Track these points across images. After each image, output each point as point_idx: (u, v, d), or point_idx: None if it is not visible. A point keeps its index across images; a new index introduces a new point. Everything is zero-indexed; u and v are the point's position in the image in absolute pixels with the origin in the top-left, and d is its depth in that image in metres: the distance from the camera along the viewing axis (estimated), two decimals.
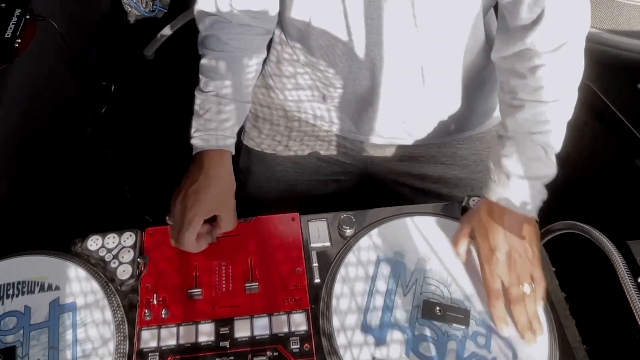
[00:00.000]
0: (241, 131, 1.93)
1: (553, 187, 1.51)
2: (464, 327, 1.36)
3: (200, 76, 1.66)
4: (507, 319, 1.38)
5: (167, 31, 3.58)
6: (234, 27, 1.65)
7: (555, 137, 1.46)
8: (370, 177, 2.04)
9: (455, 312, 1.37)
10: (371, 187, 2.08)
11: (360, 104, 1.76)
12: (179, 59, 3.12)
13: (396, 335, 1.37)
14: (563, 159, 1.51)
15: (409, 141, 1.88)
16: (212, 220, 1.52)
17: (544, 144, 1.44)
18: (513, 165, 1.45)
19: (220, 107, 1.62)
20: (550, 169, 1.46)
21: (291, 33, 1.78)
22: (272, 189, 2.00)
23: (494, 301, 1.38)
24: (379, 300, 1.41)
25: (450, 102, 1.78)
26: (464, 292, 1.44)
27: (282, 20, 1.77)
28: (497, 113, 1.87)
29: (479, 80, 1.78)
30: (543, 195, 1.46)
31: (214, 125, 1.60)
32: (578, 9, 1.42)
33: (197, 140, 1.59)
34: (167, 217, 1.55)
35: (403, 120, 1.79)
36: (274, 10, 1.67)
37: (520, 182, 1.44)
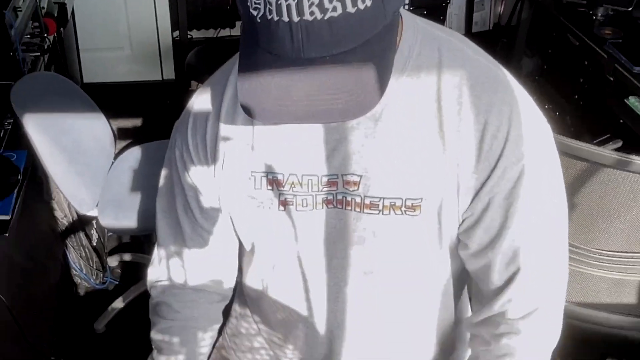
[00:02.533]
0: None
1: None
2: None
3: (153, 344, 1.54)
4: None
5: (118, 304, 3.28)
6: (187, 294, 1.53)
7: None
8: None
9: None
10: None
11: None
12: (132, 333, 2.95)
13: None
14: None
15: None
16: None
17: None
18: None
19: None
20: None
21: (249, 302, 1.69)
22: None
23: None
24: None
25: None
26: None
27: (240, 289, 1.69)
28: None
29: (440, 342, 1.59)
30: None
31: None
32: (555, 271, 1.32)
33: None
34: None
35: None
36: (230, 279, 1.57)
37: None
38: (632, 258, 2.22)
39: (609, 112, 2.94)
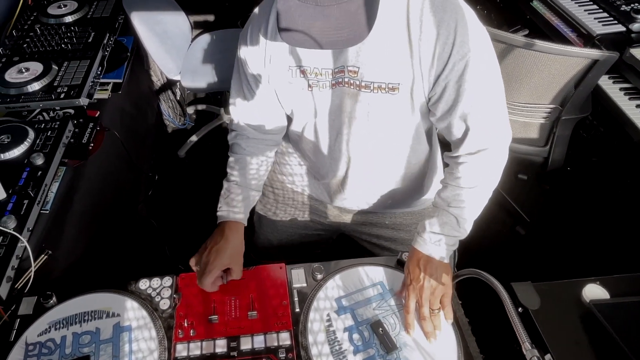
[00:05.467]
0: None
1: (464, 245, 1.56)
2: (385, 352, 1.38)
3: (228, 170, 1.72)
4: (414, 326, 1.42)
5: (193, 138, 3.63)
6: (250, 140, 1.72)
7: (469, 212, 1.48)
8: (343, 234, 2.06)
9: (389, 340, 1.40)
10: (345, 240, 2.08)
11: (337, 185, 1.78)
12: (202, 157, 3.49)
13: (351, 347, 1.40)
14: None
15: (368, 209, 1.89)
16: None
17: (457, 215, 1.47)
18: (430, 225, 1.49)
19: (238, 192, 1.67)
20: (459, 233, 1.49)
21: (292, 143, 1.85)
22: (275, 237, 2.01)
23: (406, 314, 1.42)
24: (339, 327, 1.43)
25: (395, 188, 1.79)
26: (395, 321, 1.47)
27: (286, 135, 1.82)
28: (428, 197, 1.89)
29: (419, 176, 1.79)
30: (453, 247, 1.49)
31: (232, 204, 1.64)
32: (494, 126, 1.45)
33: (222, 213, 1.64)
34: (191, 263, 1.58)
35: (364, 194, 1.80)
36: (280, 132, 1.74)
37: (433, 235, 1.47)
38: (535, 107, 2.49)
39: (519, 10, 3.05)
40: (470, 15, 1.34)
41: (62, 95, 2.06)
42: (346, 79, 1.44)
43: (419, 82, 1.40)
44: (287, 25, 1.17)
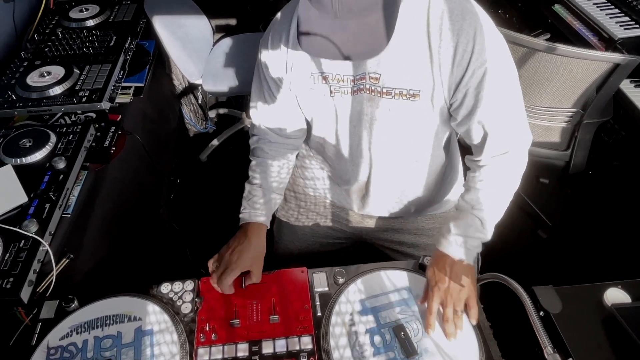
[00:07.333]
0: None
1: (485, 249, 1.55)
2: (404, 356, 1.38)
3: (250, 173, 1.75)
4: (435, 327, 1.42)
5: (215, 142, 3.68)
6: (272, 144, 1.74)
7: (491, 214, 1.51)
8: (364, 241, 2.07)
9: (409, 345, 1.39)
10: (365, 248, 2.09)
11: (359, 191, 1.81)
12: (224, 161, 3.53)
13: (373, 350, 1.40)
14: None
15: (391, 215, 1.91)
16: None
17: (481, 217, 1.50)
18: (454, 227, 1.51)
19: (260, 195, 1.69)
20: (483, 234, 1.51)
21: (312, 147, 1.86)
22: (295, 246, 2.03)
23: (428, 315, 1.43)
24: (361, 327, 1.44)
25: (417, 192, 1.81)
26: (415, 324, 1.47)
27: (306, 140, 1.84)
28: (450, 198, 1.91)
29: (439, 179, 1.81)
30: (477, 249, 1.51)
31: (255, 206, 1.67)
32: (514, 130, 1.48)
33: (244, 215, 1.67)
34: (210, 264, 1.60)
35: (385, 199, 1.82)
36: (300, 137, 1.77)
37: (457, 237, 1.49)
38: (556, 111, 2.52)
39: (541, 14, 3.08)
40: (488, 24, 1.37)
41: (83, 99, 2.07)
42: (367, 86, 1.47)
43: (439, 88, 1.43)
44: (307, 34, 1.19)
